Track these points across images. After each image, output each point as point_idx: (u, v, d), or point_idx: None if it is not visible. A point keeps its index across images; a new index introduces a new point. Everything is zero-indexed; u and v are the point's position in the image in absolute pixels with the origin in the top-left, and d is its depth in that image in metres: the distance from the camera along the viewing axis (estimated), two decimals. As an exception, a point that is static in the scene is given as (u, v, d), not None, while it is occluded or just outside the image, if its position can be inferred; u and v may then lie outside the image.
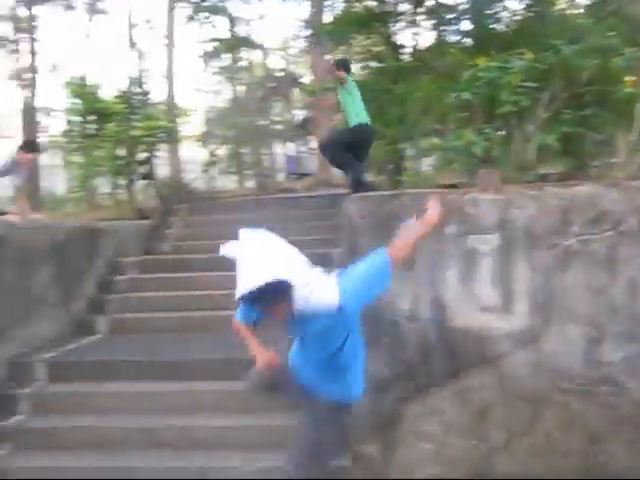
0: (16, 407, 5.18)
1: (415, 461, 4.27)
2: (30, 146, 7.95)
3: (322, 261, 6.69)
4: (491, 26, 11.52)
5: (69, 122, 12.47)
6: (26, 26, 27.29)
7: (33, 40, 26.25)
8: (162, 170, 16.98)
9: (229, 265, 7.60)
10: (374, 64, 12.52)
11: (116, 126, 11.35)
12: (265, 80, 29.68)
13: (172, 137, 13.83)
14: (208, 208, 10.43)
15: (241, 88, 32.50)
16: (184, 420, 4.85)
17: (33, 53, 26.15)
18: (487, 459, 4.22)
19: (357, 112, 7.97)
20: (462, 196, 4.28)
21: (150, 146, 11.99)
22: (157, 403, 5.05)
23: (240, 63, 30.46)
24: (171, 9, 17.56)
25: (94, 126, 11.74)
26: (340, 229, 8.12)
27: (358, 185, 7.57)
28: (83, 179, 12.18)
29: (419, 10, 11.84)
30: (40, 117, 28.77)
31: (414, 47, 13.05)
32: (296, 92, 35.01)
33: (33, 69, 26.45)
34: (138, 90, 12.97)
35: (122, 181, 11.68)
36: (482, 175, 4.98)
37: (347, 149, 7.83)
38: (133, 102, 12.18)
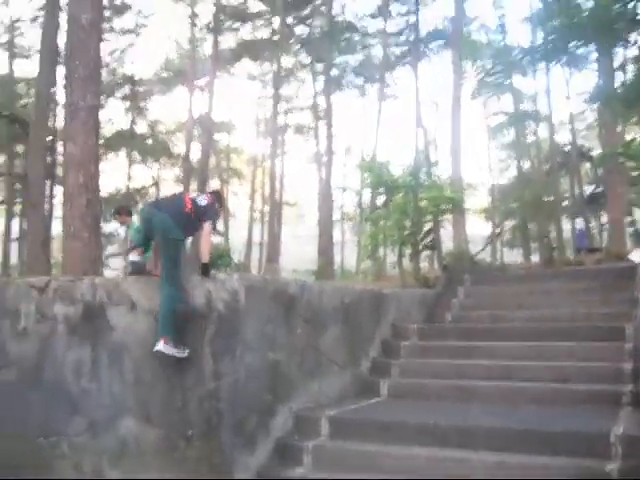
0: (300, 459, 5.34)
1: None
2: None
3: (613, 335, 6.18)
4: None
5: (360, 197, 13.15)
6: (324, 114, 29.82)
7: (330, 126, 28.55)
8: (447, 241, 17.18)
9: (512, 335, 7.27)
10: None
11: (403, 198, 11.71)
12: (552, 154, 28.90)
13: (457, 209, 13.94)
14: (493, 279, 10.30)
15: (527, 163, 31.99)
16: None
17: (330, 137, 28.41)
18: None
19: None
20: None
21: (435, 217, 12.19)
22: (437, 469, 4.88)
23: (526, 138, 30.10)
24: (456, 87, 17.98)
25: (382, 198, 12.27)
26: (635, 302, 7.45)
27: None
28: (371, 249, 12.69)
29: None
30: (335, 195, 30.95)
31: None
32: (585, 166, 33.53)
33: (330, 152, 28.68)
34: (424, 164, 13.33)
35: (407, 250, 11.94)
36: None
37: None
38: (419, 175, 12.52)
